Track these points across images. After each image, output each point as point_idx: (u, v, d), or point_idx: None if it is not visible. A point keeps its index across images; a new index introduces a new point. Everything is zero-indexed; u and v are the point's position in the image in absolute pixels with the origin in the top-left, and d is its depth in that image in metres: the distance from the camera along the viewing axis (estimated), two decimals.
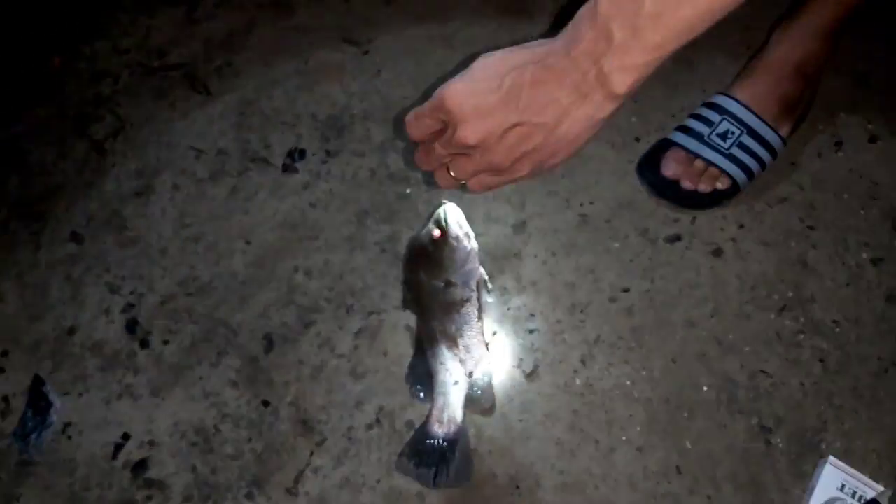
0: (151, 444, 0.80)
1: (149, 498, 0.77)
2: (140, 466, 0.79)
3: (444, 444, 0.75)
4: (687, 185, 0.88)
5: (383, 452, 0.78)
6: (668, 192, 0.89)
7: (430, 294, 0.78)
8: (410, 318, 0.85)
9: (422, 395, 0.78)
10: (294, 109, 1.01)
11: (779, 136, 0.88)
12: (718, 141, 0.87)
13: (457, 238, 0.76)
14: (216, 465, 0.78)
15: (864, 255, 0.88)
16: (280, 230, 0.92)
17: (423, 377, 0.78)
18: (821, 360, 0.82)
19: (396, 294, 0.87)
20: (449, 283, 0.77)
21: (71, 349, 0.87)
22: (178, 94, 1.04)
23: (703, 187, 0.88)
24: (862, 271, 0.87)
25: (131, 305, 0.89)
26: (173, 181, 0.97)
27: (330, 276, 0.89)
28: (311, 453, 0.78)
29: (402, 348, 0.83)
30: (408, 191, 0.94)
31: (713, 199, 0.88)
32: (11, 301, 0.91)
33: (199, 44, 1.10)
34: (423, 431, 0.76)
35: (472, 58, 0.56)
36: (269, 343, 0.85)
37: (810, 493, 0.74)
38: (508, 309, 0.85)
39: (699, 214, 0.90)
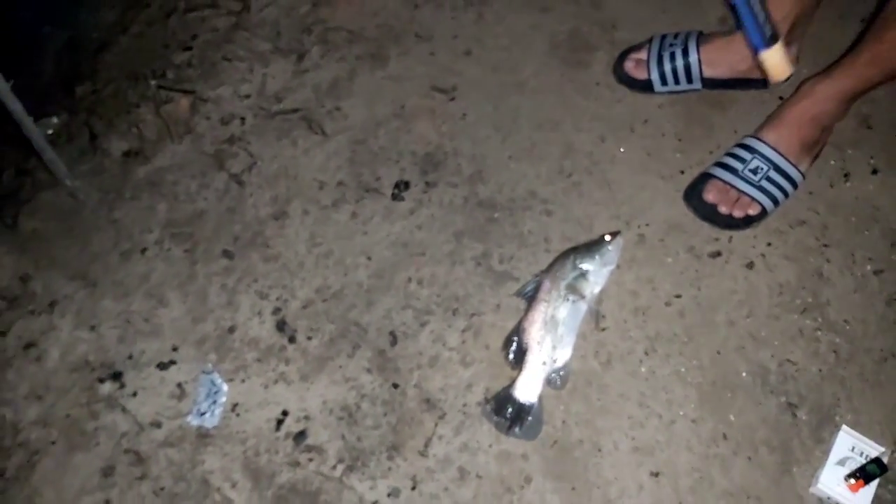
0: (307, 418, 1.01)
1: (310, 459, 0.98)
2: (300, 436, 1.00)
3: (521, 407, 0.96)
4: (724, 210, 1.09)
5: (491, 424, 0.99)
6: (710, 216, 1.10)
7: (565, 275, 1.01)
8: (505, 321, 1.06)
9: (513, 363, 0.99)
10: (397, 147, 1.23)
11: (799, 171, 1.09)
12: (750, 175, 1.08)
13: (616, 246, 1.02)
14: (360, 434, 0.99)
15: (869, 268, 1.09)
16: (394, 248, 1.13)
17: (517, 350, 0.99)
18: (834, 352, 1.03)
19: (493, 300, 1.08)
20: (585, 273, 1.00)
21: (231, 345, 1.08)
22: (299, 133, 1.26)
23: (738, 213, 1.09)
24: (867, 280, 1.08)
25: (279, 309, 1.10)
26: (303, 207, 1.18)
27: (437, 285, 1.10)
28: (436, 424, 0.99)
29: (500, 343, 1.04)
30: (496, 215, 1.15)
31: (746, 223, 1.10)
32: (176, 306, 1.12)
33: (310, 90, 1.31)
34: (507, 394, 0.97)
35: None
36: (393, 339, 1.06)
37: (827, 454, 0.94)
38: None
39: (735, 235, 1.11)
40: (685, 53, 1.16)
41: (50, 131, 1.37)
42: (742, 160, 1.09)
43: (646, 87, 1.20)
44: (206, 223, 1.19)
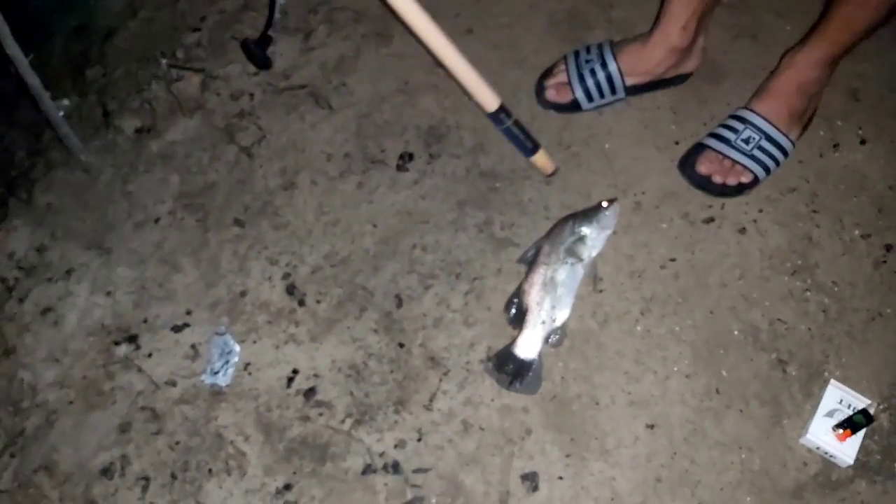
0: (316, 376, 1.05)
1: (320, 414, 1.02)
2: (310, 392, 1.04)
3: (522, 364, 1.01)
4: (718, 179, 1.13)
5: (493, 379, 1.03)
6: (704, 184, 1.14)
7: (564, 239, 1.05)
8: (506, 284, 1.10)
9: (514, 322, 1.03)
10: (401, 121, 1.27)
11: (789, 139, 1.13)
12: (742, 144, 1.12)
13: (613, 212, 1.06)
14: (368, 390, 1.04)
15: (856, 232, 1.13)
16: (399, 216, 1.18)
17: (517, 310, 1.04)
18: (823, 311, 1.07)
19: (494, 265, 1.12)
20: (583, 238, 1.04)
21: (243, 308, 1.12)
22: (306, 108, 1.30)
23: (731, 181, 1.13)
24: (854, 244, 1.12)
25: (288, 274, 1.14)
26: (311, 178, 1.22)
27: (441, 250, 1.14)
28: (440, 380, 1.03)
29: (501, 305, 1.08)
30: (497, 185, 1.19)
31: (738, 190, 1.14)
32: (189, 272, 1.17)
33: (316, 67, 1.35)
34: (508, 351, 1.02)
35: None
36: (399, 301, 1.10)
37: (817, 407, 0.98)
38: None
39: (728, 202, 1.15)
40: (604, 66, 1.17)
41: (62, 113, 1.41)
42: (734, 130, 1.13)
43: (573, 107, 1.21)
44: (218, 194, 1.23)
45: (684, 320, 1.06)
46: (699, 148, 1.15)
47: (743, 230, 1.13)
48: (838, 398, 0.98)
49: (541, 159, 1.13)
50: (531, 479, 0.96)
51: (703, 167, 1.13)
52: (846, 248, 1.11)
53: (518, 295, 1.06)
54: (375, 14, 1.38)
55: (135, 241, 1.20)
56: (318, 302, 1.11)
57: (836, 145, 1.20)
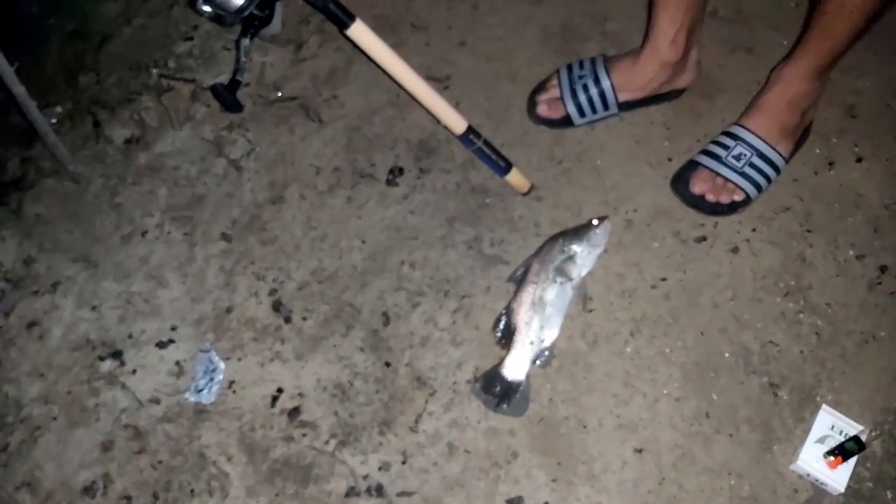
0: (301, 395, 1.04)
1: (304, 435, 1.01)
2: (294, 412, 1.03)
3: (509, 385, 0.99)
4: (710, 197, 1.11)
5: (480, 401, 1.02)
6: (696, 202, 1.13)
7: (553, 257, 1.04)
8: (495, 302, 1.09)
9: (502, 342, 1.02)
10: (392, 135, 1.25)
11: (781, 155, 1.11)
12: (734, 161, 1.10)
13: (604, 230, 1.06)
14: (353, 410, 1.02)
15: (851, 253, 1.11)
16: (387, 231, 1.16)
17: (505, 330, 1.02)
18: (816, 334, 1.05)
19: (483, 283, 1.11)
20: (573, 256, 1.03)
21: (229, 324, 1.11)
22: (296, 121, 1.28)
23: (723, 199, 1.11)
24: (849, 265, 1.10)
25: (275, 290, 1.13)
26: (300, 192, 1.21)
27: (429, 267, 1.13)
28: (426, 401, 1.02)
29: (490, 324, 1.07)
30: (487, 201, 1.18)
31: (731, 209, 1.12)
32: (175, 287, 1.15)
33: (308, 79, 1.34)
34: (496, 372, 1.01)
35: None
36: (386, 319, 1.09)
37: (808, 432, 0.97)
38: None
39: (720, 220, 1.14)
40: (597, 81, 1.16)
41: (53, 120, 1.40)
42: (725, 147, 1.11)
43: (565, 122, 1.20)
44: (206, 207, 1.22)
45: (675, 342, 1.05)
46: (691, 166, 1.14)
47: (735, 250, 1.12)
48: (830, 424, 0.97)
49: (515, 178, 1.13)
50: None
51: (697, 186, 1.12)
52: (840, 268, 1.10)
53: (507, 314, 1.04)
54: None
55: (121, 255, 1.19)
56: (305, 319, 1.10)
57: (831, 163, 1.18)
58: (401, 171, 1.21)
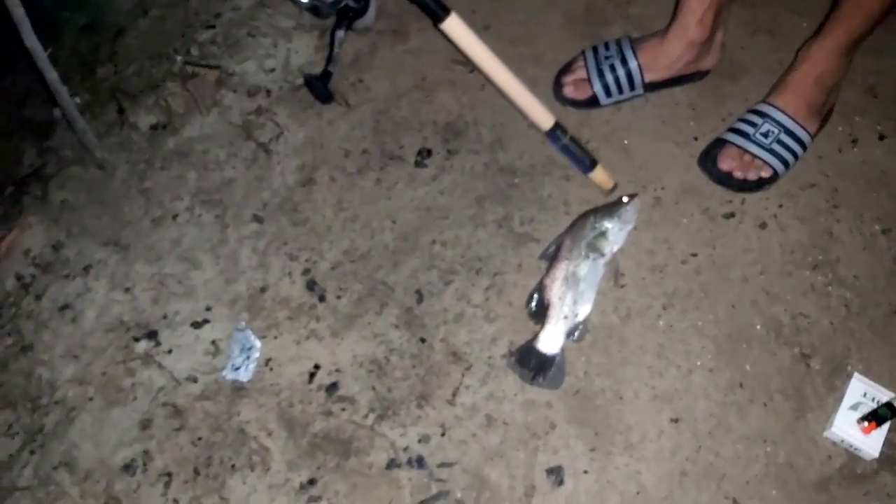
0: (338, 371, 1.05)
1: (343, 409, 1.02)
2: (332, 387, 1.04)
3: (545, 358, 1.00)
4: (738, 174, 1.13)
5: (516, 374, 1.03)
6: (724, 179, 1.14)
7: (585, 234, 1.05)
8: (527, 279, 1.10)
9: (535, 317, 1.04)
10: (419, 117, 1.27)
11: (808, 133, 1.13)
12: (762, 138, 1.12)
13: (634, 207, 1.07)
14: (390, 385, 1.03)
15: (877, 227, 1.13)
16: (418, 212, 1.17)
17: (539, 305, 1.04)
18: (845, 306, 1.07)
19: (514, 260, 1.12)
20: (605, 232, 1.04)
21: (263, 304, 1.12)
22: (323, 105, 1.29)
23: (751, 176, 1.13)
24: (875, 239, 1.12)
25: (308, 270, 1.13)
26: (329, 174, 1.22)
27: (461, 246, 1.14)
28: (462, 375, 1.03)
29: (523, 300, 1.08)
30: (515, 181, 1.19)
31: (759, 185, 1.14)
32: (209, 269, 1.16)
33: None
34: (531, 346, 1.02)
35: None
36: (419, 297, 1.10)
37: (840, 400, 0.98)
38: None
39: (748, 197, 1.15)
40: (624, 62, 1.17)
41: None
42: (753, 124, 1.13)
43: (591, 103, 1.21)
44: (236, 190, 1.23)
45: (706, 315, 1.06)
46: (719, 143, 1.15)
47: (763, 225, 1.13)
48: (862, 391, 0.98)
49: (599, 175, 1.13)
50: (556, 474, 0.96)
51: (724, 163, 1.13)
52: (867, 242, 1.11)
53: (539, 290, 1.06)
54: (392, 11, 1.38)
55: (152, 238, 1.20)
56: (339, 297, 1.11)
57: (854, 141, 1.20)
58: (429, 152, 1.23)
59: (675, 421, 0.99)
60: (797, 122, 1.11)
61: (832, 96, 1.15)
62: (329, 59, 1.05)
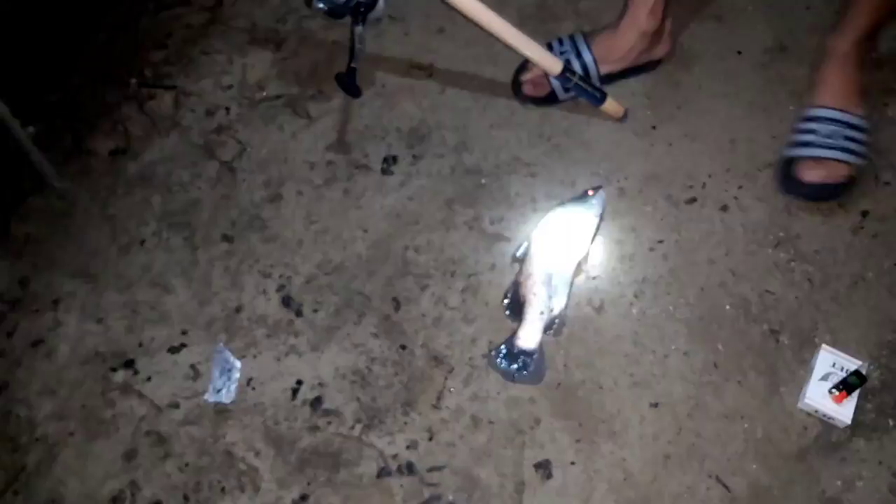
0: (321, 385, 1.05)
1: (329, 422, 1.02)
2: (316, 402, 1.04)
3: (525, 355, 1.02)
4: (829, 181, 1.12)
5: (498, 373, 1.04)
6: (818, 194, 1.13)
7: (555, 230, 1.08)
8: (501, 278, 1.12)
9: (512, 315, 1.06)
10: (381, 125, 1.27)
11: (861, 117, 1.12)
12: (829, 141, 1.11)
13: (599, 199, 1.11)
14: (374, 394, 1.04)
15: (833, 201, 1.16)
16: (388, 219, 1.18)
17: (515, 303, 1.05)
18: (808, 280, 1.10)
19: (487, 260, 1.13)
20: (573, 227, 1.07)
21: (240, 323, 1.11)
22: (284, 119, 1.29)
23: (839, 179, 1.12)
24: (832, 213, 1.15)
25: (283, 286, 1.13)
26: (296, 188, 1.22)
27: (433, 250, 1.15)
28: (445, 378, 1.04)
29: (499, 299, 1.09)
30: (483, 181, 1.21)
31: (848, 186, 1.13)
32: (181, 292, 1.15)
33: (291, 76, 1.35)
34: (510, 344, 1.03)
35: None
36: (397, 304, 1.11)
37: (811, 372, 1.02)
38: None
39: (708, 181, 1.18)
40: (579, 56, 1.18)
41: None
42: (813, 132, 1.12)
43: (551, 99, 1.22)
44: (202, 211, 1.22)
45: (677, 299, 1.09)
46: (790, 161, 1.14)
47: (725, 208, 1.16)
48: (831, 362, 1.02)
49: (610, 106, 1.18)
50: (544, 467, 0.98)
51: (808, 175, 1.12)
52: (824, 217, 1.15)
53: (514, 288, 1.07)
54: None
55: (121, 266, 1.19)
56: (316, 311, 1.11)
57: None
58: (395, 159, 1.23)
59: (655, 405, 1.01)
60: (850, 113, 1.11)
61: (865, 76, 1.15)
62: (352, 56, 1.11)
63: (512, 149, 1.23)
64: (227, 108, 1.32)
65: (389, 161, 1.23)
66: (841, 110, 1.12)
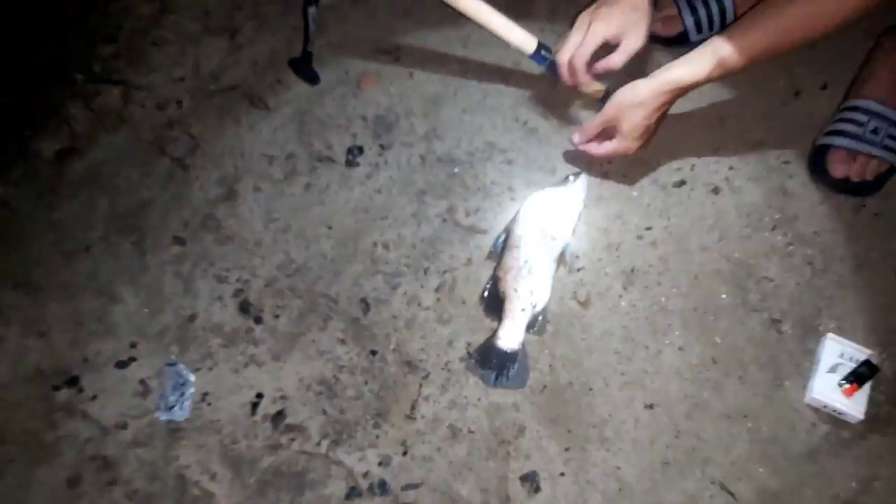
0: (283, 398, 0.96)
1: (292, 439, 0.93)
2: (278, 417, 0.95)
3: (506, 356, 0.94)
4: (856, 178, 1.04)
5: (478, 377, 0.95)
6: (843, 187, 1.05)
7: (535, 220, 0.99)
8: (479, 274, 1.03)
9: (491, 314, 0.97)
10: (345, 114, 1.18)
11: None
12: (873, 137, 1.03)
13: (581, 185, 1.02)
14: (342, 406, 0.95)
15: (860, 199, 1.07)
16: (355, 214, 1.09)
17: (494, 300, 0.97)
18: (809, 263, 1.02)
19: (463, 255, 1.05)
20: (554, 216, 0.99)
21: (194, 333, 1.02)
22: (241, 110, 1.20)
23: (869, 176, 1.04)
24: (832, 192, 1.07)
25: (240, 290, 1.04)
26: (254, 184, 1.12)
27: (404, 246, 1.06)
28: (420, 385, 0.95)
29: (476, 297, 1.01)
30: (455, 170, 1.12)
31: (879, 184, 1.05)
32: (129, 301, 1.06)
33: (247, 66, 1.25)
34: (490, 345, 0.95)
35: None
36: (365, 306, 1.01)
37: (817, 364, 0.94)
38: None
39: (697, 162, 1.10)
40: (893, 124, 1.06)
41: None
42: (859, 123, 1.04)
43: (680, 40, 1.14)
44: (153, 212, 1.12)
45: (669, 289, 1.00)
46: (823, 149, 1.06)
47: (716, 190, 1.08)
48: (838, 352, 0.94)
49: (591, 85, 1.07)
50: (531, 480, 0.89)
51: (838, 171, 1.04)
52: (823, 196, 1.07)
53: (493, 283, 0.99)
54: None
55: (65, 274, 1.09)
56: (277, 317, 1.01)
57: (797, 93, 1.16)
58: (360, 149, 1.14)
59: (650, 407, 0.93)
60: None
61: None
62: (307, 40, 1.04)
63: (486, 135, 1.14)
64: (179, 102, 1.23)
65: (355, 152, 1.14)
66: (888, 106, 1.04)
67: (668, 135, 1.11)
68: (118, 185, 1.16)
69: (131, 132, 1.21)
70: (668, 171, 1.10)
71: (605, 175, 1.10)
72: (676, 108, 1.13)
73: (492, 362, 0.93)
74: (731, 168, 1.10)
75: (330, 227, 1.08)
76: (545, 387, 0.94)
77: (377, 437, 0.92)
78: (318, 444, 0.92)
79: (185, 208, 1.12)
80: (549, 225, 1.00)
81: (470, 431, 0.92)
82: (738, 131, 1.12)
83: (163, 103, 1.23)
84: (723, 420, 0.91)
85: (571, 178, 1.02)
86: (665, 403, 0.92)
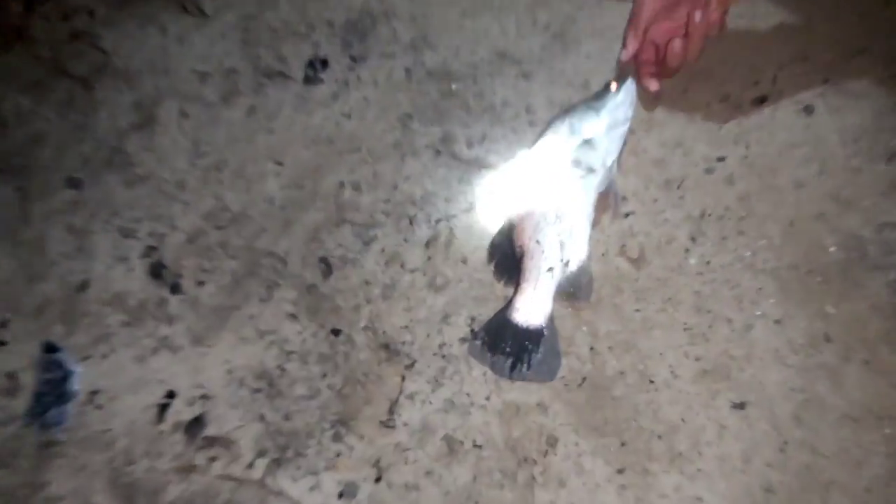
0: (204, 397, 0.68)
1: (213, 459, 0.64)
2: (195, 425, 0.66)
3: (526, 335, 0.65)
4: None
5: (485, 365, 0.66)
6: None
7: (564, 147, 0.70)
8: (485, 223, 0.74)
9: (504, 276, 0.68)
10: (305, 19, 0.89)
11: None
12: None
13: (626, 96, 0.71)
14: (289, 409, 0.66)
15: None
16: (314, 146, 0.80)
17: (508, 258, 0.68)
18: None
19: (464, 197, 0.76)
20: (590, 140, 0.67)
21: (85, 307, 0.74)
22: (168, 18, 0.91)
23: None
24: None
25: (152, 248, 0.76)
26: (180, 108, 0.84)
27: (382, 187, 0.77)
28: (403, 378, 0.66)
29: (483, 253, 0.72)
30: (453, 86, 0.83)
31: None
32: (4, 263, 0.77)
33: None
34: (503, 318, 0.69)
35: None
36: (326, 267, 0.73)
37: None
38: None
39: (779, 74, 0.81)
40: None
41: None
42: None
43: None
44: (45, 148, 0.85)
45: (756, 241, 0.72)
46: None
47: (809, 109, 0.80)
48: None
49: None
50: None
51: None
52: None
53: (506, 236, 0.69)
54: None
55: None
56: (201, 284, 0.73)
57: None
58: (324, 63, 0.85)
59: (740, 406, 0.64)
60: None
61: None
62: None
63: (494, 42, 0.86)
64: (91, 11, 0.94)
65: (317, 66, 0.85)
66: None
67: (741, 40, 0.83)
68: (4, 116, 0.87)
69: (27, 50, 0.92)
70: (743, 86, 0.82)
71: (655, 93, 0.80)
72: (752, 8, 0.84)
73: (506, 344, 0.65)
74: (825, 81, 0.81)
75: (280, 163, 0.79)
76: (584, 379, 0.65)
77: (338, 454, 0.63)
78: (251, 465, 0.63)
79: (86, 141, 0.83)
80: (584, 153, 0.71)
81: (475, 446, 0.63)
82: (831, 37, 0.82)
83: (70, 12, 0.94)
84: (847, 424, 0.63)
85: (613, 85, 0.73)
86: (762, 402, 0.64)
